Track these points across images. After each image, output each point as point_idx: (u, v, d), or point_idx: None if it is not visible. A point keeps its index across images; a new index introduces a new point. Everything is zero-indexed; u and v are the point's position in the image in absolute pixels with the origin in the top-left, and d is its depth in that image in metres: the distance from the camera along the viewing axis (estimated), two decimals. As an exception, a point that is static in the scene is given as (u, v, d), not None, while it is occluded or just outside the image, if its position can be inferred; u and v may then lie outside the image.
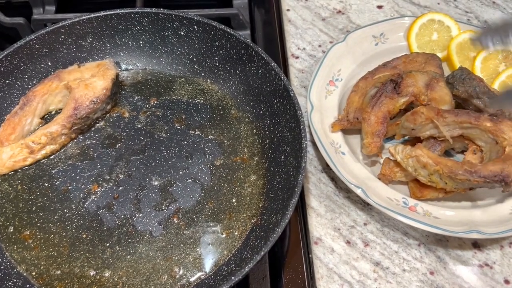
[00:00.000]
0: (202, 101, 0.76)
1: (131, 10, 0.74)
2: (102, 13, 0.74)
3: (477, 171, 0.64)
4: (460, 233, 0.63)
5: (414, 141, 0.73)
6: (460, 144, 0.72)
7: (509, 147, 0.66)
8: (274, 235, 0.54)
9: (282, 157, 0.67)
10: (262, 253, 0.53)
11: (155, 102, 0.76)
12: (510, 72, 0.78)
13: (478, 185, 0.65)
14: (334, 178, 0.73)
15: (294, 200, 0.57)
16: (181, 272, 0.60)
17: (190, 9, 0.86)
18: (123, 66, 0.79)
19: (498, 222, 0.65)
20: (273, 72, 0.69)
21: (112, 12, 0.74)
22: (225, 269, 0.60)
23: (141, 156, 0.70)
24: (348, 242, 0.67)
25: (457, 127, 0.68)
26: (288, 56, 0.88)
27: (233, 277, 0.52)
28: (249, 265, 0.52)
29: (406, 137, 0.75)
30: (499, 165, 0.64)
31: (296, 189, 0.58)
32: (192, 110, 0.75)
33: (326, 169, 0.74)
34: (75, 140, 0.71)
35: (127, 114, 0.74)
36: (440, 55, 0.81)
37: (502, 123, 0.67)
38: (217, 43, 0.75)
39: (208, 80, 0.78)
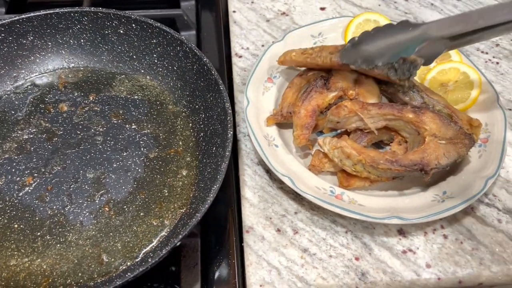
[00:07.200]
0: (140, 96, 0.78)
1: (70, 10, 0.76)
2: (42, 12, 0.76)
3: (397, 161, 0.67)
4: (381, 219, 0.66)
5: (345, 133, 0.76)
6: (388, 136, 0.75)
7: (429, 137, 0.69)
8: (194, 219, 0.57)
9: (214, 148, 0.69)
10: (180, 236, 0.55)
11: (94, 98, 0.78)
12: (440, 69, 0.82)
13: (400, 173, 0.68)
14: (269, 170, 0.76)
15: (215, 187, 0.59)
16: (108, 259, 0.62)
17: (139, 9, 0.89)
18: (65, 64, 0.81)
19: (420, 208, 0.68)
20: (205, 67, 0.72)
21: (51, 11, 0.76)
22: (151, 255, 0.62)
23: (76, 149, 0.72)
24: (278, 230, 0.70)
25: (382, 119, 0.71)
26: (232, 55, 0.91)
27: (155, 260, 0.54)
28: (167, 248, 0.54)
29: (339, 131, 0.78)
30: (419, 154, 0.68)
31: (218, 177, 0.60)
32: (130, 106, 0.77)
33: (262, 162, 0.77)
34: (13, 135, 0.73)
35: (65, 109, 0.76)
36: (373, 52, 0.84)
37: (424, 114, 0.70)
38: (154, 41, 0.77)
39: (148, 77, 0.81)
